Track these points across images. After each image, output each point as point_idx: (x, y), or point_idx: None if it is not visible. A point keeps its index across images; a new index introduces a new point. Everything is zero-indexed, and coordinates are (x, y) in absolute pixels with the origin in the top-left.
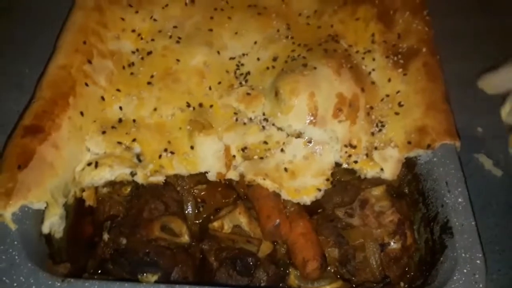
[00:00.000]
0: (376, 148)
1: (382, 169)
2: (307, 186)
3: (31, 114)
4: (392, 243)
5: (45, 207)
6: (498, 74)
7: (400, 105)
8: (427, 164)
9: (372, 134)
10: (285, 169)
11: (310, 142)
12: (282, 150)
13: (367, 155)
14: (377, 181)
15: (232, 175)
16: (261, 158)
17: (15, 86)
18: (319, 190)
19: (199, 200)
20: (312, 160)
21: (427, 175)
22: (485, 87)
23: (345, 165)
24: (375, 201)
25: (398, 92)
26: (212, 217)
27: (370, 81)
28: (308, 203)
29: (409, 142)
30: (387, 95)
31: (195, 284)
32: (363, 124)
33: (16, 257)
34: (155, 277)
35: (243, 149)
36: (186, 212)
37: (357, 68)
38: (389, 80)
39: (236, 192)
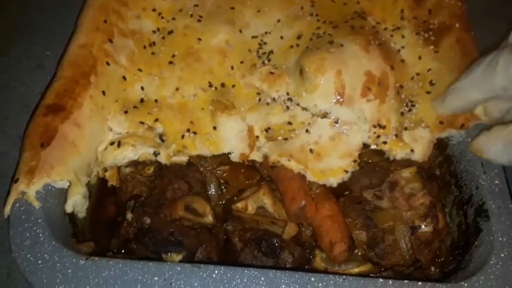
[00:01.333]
0: (406, 129)
1: (412, 150)
2: (333, 168)
3: (52, 93)
4: (423, 226)
5: (68, 186)
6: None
7: (431, 83)
8: (460, 145)
9: (402, 114)
10: (311, 150)
11: (336, 122)
12: (307, 130)
13: (396, 135)
14: (406, 163)
15: (256, 156)
16: (285, 139)
17: (37, 68)
18: (346, 171)
19: (221, 181)
20: (339, 141)
21: (460, 156)
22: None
23: (373, 146)
24: (405, 183)
25: (429, 70)
26: (235, 198)
27: (399, 59)
28: (335, 185)
29: (441, 122)
30: (418, 74)
31: (220, 264)
32: (393, 104)
33: (40, 235)
34: (179, 257)
35: (267, 129)
36: (209, 193)
37: (386, 45)
38: (420, 57)
39: (259, 174)
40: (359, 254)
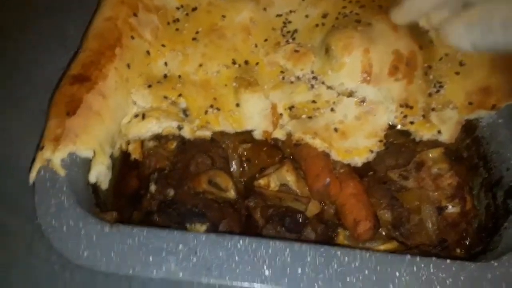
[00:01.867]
0: (433, 110)
1: (439, 132)
2: (358, 147)
3: (78, 64)
4: (450, 207)
5: (92, 156)
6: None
7: (461, 64)
8: (490, 126)
9: (430, 95)
10: (335, 129)
11: (363, 101)
12: (332, 109)
13: (423, 116)
14: (433, 144)
15: (279, 134)
16: (310, 117)
17: (60, 47)
18: (371, 151)
19: (243, 159)
20: (365, 121)
21: (490, 137)
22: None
23: (399, 127)
24: (432, 164)
25: (458, 50)
26: (257, 176)
27: (428, 39)
28: (359, 164)
29: (470, 103)
30: (446, 54)
31: (244, 235)
32: (421, 84)
33: (65, 202)
34: (203, 227)
35: (290, 108)
36: (231, 170)
37: (415, 24)
38: None
39: (281, 152)
40: (383, 233)
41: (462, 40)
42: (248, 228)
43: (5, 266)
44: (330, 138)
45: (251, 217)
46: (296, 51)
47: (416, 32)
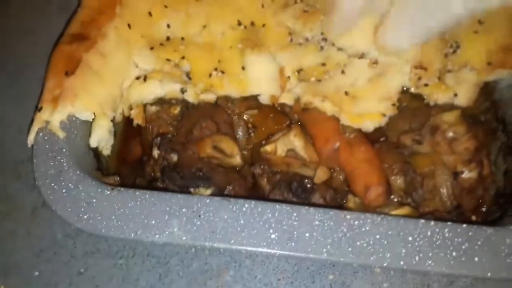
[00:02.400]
0: (449, 71)
1: (455, 94)
2: (370, 111)
3: (77, 22)
4: (466, 172)
5: (93, 119)
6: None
7: (480, 22)
8: (510, 88)
9: (446, 55)
10: (346, 93)
11: (375, 63)
12: (342, 72)
13: (439, 78)
14: (449, 108)
15: (287, 98)
16: (319, 80)
17: (61, 9)
18: (384, 115)
19: (249, 125)
20: (377, 83)
21: (510, 100)
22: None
23: (413, 89)
24: (448, 127)
25: None
26: (263, 142)
27: None
28: (371, 129)
29: (489, 64)
30: None
31: (250, 199)
32: (436, 44)
33: (65, 164)
34: (208, 191)
35: (299, 71)
36: (237, 136)
37: None
38: None
39: (289, 118)
40: (395, 200)
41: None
42: (255, 194)
43: (8, 234)
44: (341, 102)
45: (257, 183)
46: (305, 11)
47: None
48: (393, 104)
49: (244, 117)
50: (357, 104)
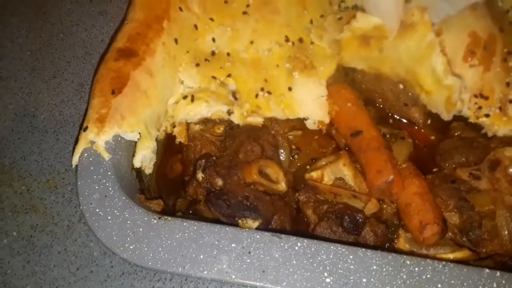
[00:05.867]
0: (511, 102)
1: None
2: None
3: (124, 36)
4: None
5: (138, 139)
6: None
7: None
8: None
9: (508, 84)
10: None
11: None
12: None
13: (500, 108)
14: (509, 141)
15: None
16: None
17: (100, 14)
18: None
19: (293, 147)
20: None
21: None
22: None
23: (472, 119)
24: (510, 163)
25: None
26: (307, 167)
27: (508, 20)
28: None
29: None
30: None
31: (301, 236)
32: (499, 72)
33: (110, 188)
34: (256, 223)
35: None
36: (280, 159)
37: (493, 4)
38: None
39: (335, 142)
40: (448, 238)
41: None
42: (298, 224)
43: (45, 249)
44: None
45: (300, 212)
46: (340, 18)
47: (495, 11)
48: None
49: (288, 138)
50: None
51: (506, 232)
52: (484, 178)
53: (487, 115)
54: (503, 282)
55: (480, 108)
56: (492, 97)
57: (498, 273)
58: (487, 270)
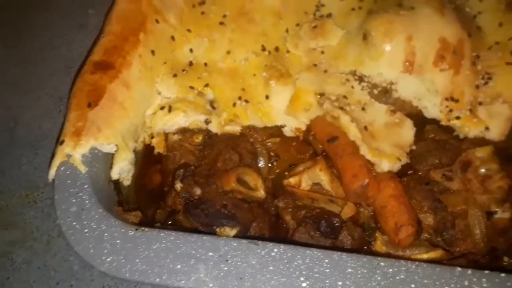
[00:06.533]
0: (481, 104)
1: (487, 128)
2: (386, 152)
3: (101, 49)
4: (500, 212)
5: (115, 151)
6: None
7: None
8: None
9: (477, 87)
10: (365, 128)
11: (394, 112)
12: (363, 109)
13: (470, 110)
14: (480, 142)
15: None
16: (341, 108)
17: (80, 27)
18: (399, 160)
19: (272, 154)
20: (392, 131)
21: None
22: None
23: (443, 122)
24: (480, 164)
25: (511, 39)
26: (286, 173)
27: (476, 25)
28: (386, 169)
29: None
30: (497, 43)
31: (279, 242)
32: (468, 75)
33: (87, 201)
34: (234, 231)
35: (320, 94)
36: (259, 166)
37: (461, 9)
38: (500, 25)
39: (312, 148)
40: (424, 238)
41: None
42: (277, 230)
43: (25, 264)
44: (361, 133)
45: (280, 218)
46: (315, 26)
47: (463, 17)
48: (407, 153)
49: (266, 146)
50: (374, 141)
51: (478, 231)
52: (456, 179)
53: (458, 118)
54: (474, 280)
55: (451, 111)
56: (462, 100)
57: (470, 271)
58: (459, 269)
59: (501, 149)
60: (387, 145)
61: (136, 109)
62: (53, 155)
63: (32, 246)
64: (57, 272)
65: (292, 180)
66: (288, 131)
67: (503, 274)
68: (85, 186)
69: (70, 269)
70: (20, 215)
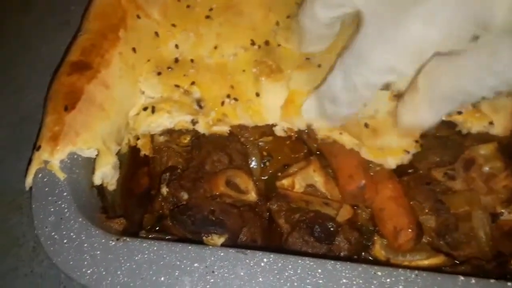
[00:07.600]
0: (484, 97)
1: (491, 123)
2: (392, 146)
3: (77, 49)
4: (505, 213)
5: (96, 155)
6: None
7: None
8: None
9: None
10: (366, 125)
11: (397, 95)
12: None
13: (473, 105)
14: (484, 138)
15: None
16: None
17: (62, 25)
18: (407, 152)
19: (264, 154)
20: None
21: None
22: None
23: (445, 117)
24: (484, 162)
25: None
26: (279, 174)
27: None
28: (393, 166)
29: None
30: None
31: (269, 251)
32: None
33: (66, 210)
34: (222, 239)
35: None
36: (251, 166)
37: None
38: None
39: (306, 147)
40: (426, 242)
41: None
42: (271, 234)
43: (11, 272)
44: (361, 134)
45: (273, 221)
46: None
47: None
48: (416, 141)
49: (258, 145)
50: (377, 137)
51: (483, 234)
52: (459, 178)
53: (459, 112)
54: None
55: None
56: None
57: (473, 280)
58: (462, 278)
59: (506, 145)
60: (393, 137)
61: (117, 110)
62: (29, 162)
63: (17, 253)
64: (44, 279)
65: (285, 182)
66: (279, 131)
67: (509, 283)
68: (64, 194)
69: (57, 277)
70: (5, 221)
